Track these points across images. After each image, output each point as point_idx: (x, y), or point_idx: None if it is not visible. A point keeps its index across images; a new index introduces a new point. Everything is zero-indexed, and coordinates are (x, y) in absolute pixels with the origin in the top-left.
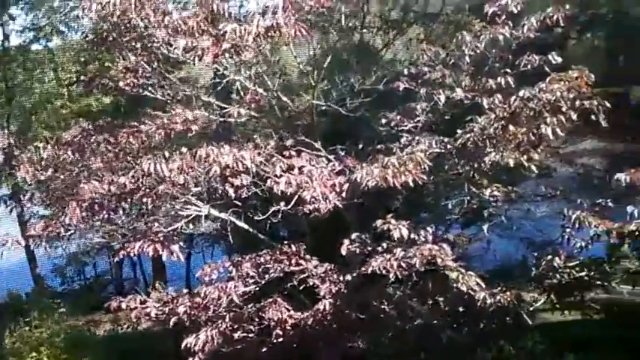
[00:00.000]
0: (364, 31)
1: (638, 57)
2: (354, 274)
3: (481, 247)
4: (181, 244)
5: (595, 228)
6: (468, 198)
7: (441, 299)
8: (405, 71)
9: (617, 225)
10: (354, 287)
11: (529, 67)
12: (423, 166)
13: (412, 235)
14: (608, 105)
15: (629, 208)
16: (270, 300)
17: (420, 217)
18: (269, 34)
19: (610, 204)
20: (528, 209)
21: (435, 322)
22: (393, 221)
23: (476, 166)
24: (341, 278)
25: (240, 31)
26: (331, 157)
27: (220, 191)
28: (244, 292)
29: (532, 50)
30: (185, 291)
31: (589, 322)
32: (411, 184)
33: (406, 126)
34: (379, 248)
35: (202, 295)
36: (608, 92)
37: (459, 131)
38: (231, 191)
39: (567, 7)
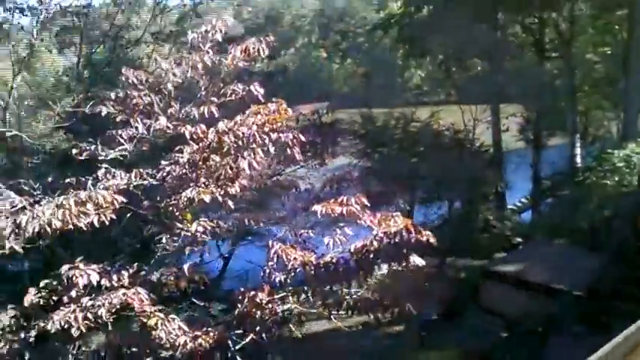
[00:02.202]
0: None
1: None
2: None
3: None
4: None
5: (294, 260)
6: (168, 235)
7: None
8: (113, 95)
9: (314, 256)
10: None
11: (233, 97)
12: (109, 205)
13: (103, 281)
14: (302, 138)
15: (326, 239)
16: None
17: (122, 258)
18: None
19: (311, 234)
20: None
21: None
22: (81, 265)
23: (174, 201)
24: (16, 337)
25: None
26: (11, 192)
27: None
28: None
29: (268, 78)
30: None
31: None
32: (97, 224)
33: (107, 156)
34: (65, 298)
35: None
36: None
37: (163, 162)
38: None
39: (271, 38)
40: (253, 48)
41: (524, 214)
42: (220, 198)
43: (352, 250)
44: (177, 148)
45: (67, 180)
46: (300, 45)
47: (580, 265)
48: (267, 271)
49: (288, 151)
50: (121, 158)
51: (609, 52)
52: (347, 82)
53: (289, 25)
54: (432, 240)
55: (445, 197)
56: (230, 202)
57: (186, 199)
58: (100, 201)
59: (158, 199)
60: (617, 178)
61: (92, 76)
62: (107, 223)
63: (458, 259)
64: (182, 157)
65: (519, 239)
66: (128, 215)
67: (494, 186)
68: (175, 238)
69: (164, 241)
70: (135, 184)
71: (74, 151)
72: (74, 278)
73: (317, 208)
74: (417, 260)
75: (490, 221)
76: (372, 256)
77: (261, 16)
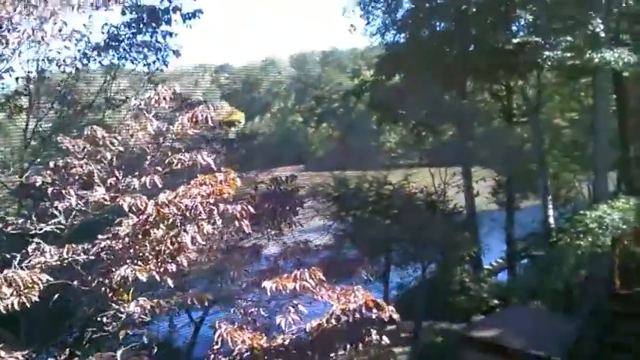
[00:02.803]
0: None
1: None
2: None
3: None
4: None
5: (241, 344)
6: (100, 317)
7: None
8: (51, 164)
9: (265, 339)
10: None
11: (179, 166)
12: (32, 286)
13: None
14: (252, 210)
15: (278, 319)
16: None
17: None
18: None
19: (263, 313)
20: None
21: None
22: (2, 353)
23: (106, 281)
24: None
25: None
26: None
27: None
28: None
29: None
30: None
31: None
32: (17, 306)
33: (39, 230)
34: None
35: None
36: None
37: (99, 237)
38: None
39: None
40: (201, 115)
41: (500, 275)
42: (158, 276)
43: (307, 329)
44: (117, 221)
45: None
46: (276, 110)
47: (557, 330)
48: (212, 356)
49: (237, 223)
50: (58, 232)
51: (576, 117)
52: (322, 146)
53: (266, 91)
54: (395, 316)
55: (420, 259)
56: (169, 280)
57: (119, 277)
58: (20, 282)
59: (90, 277)
60: (590, 239)
61: (39, 143)
62: (28, 305)
63: (435, 322)
64: (121, 231)
65: (496, 301)
66: (56, 296)
67: (469, 247)
68: (108, 320)
69: (104, 321)
70: (69, 260)
71: None
72: None
73: (267, 284)
74: (380, 337)
75: (466, 283)
76: (329, 336)
77: (238, 82)
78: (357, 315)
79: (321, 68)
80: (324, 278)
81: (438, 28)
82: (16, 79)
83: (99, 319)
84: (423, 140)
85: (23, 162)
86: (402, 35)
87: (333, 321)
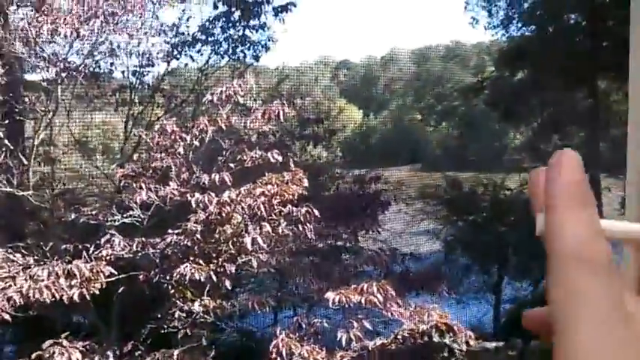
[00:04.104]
0: None
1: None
2: None
3: None
4: None
5: (298, 357)
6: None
7: None
8: (135, 156)
9: (323, 354)
10: None
11: (250, 163)
12: (95, 278)
13: None
14: (317, 213)
15: (340, 333)
16: None
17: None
18: None
19: (326, 325)
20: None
21: None
22: (65, 342)
23: (167, 278)
24: None
25: None
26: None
27: None
28: None
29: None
30: None
31: None
32: (77, 299)
33: (114, 222)
34: None
35: None
36: None
37: (169, 231)
38: None
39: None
40: (274, 111)
41: None
42: (215, 277)
43: (370, 348)
44: (187, 218)
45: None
46: (394, 107)
47: None
48: None
49: (300, 227)
50: (137, 224)
51: None
52: (440, 145)
53: (384, 87)
54: (472, 342)
55: (537, 271)
56: (227, 282)
57: (178, 275)
58: (82, 274)
59: (153, 272)
60: None
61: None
62: (88, 297)
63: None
64: (188, 228)
65: None
66: (120, 289)
67: None
68: (170, 318)
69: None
70: (141, 254)
71: (72, 215)
72: (55, 356)
73: (330, 295)
74: None
75: None
76: (391, 358)
77: (357, 78)
78: (426, 338)
79: (443, 64)
80: (393, 292)
81: (568, 21)
82: (122, 72)
83: (159, 316)
84: (547, 142)
85: (115, 156)
86: (528, 29)
87: (399, 342)
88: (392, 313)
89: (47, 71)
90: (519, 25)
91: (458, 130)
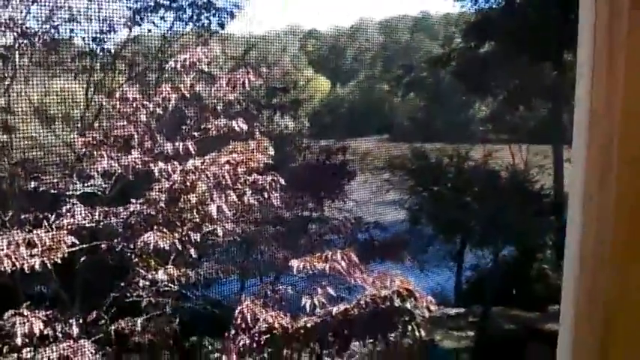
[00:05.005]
0: None
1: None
2: None
3: None
4: None
5: (262, 322)
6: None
7: None
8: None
9: (287, 319)
10: None
11: (214, 132)
12: (56, 247)
13: (47, 331)
14: (283, 182)
15: (304, 300)
16: None
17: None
18: None
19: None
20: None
21: None
22: (26, 312)
23: (132, 247)
24: None
25: None
26: None
27: None
28: None
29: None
30: None
31: None
32: (38, 267)
33: (76, 191)
34: (5, 347)
35: None
36: None
37: (132, 201)
38: None
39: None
40: (240, 79)
41: None
42: (180, 245)
43: (333, 314)
44: (151, 187)
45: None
46: (362, 78)
47: None
48: (233, 331)
49: (266, 195)
50: (99, 193)
51: None
52: (408, 116)
53: (352, 58)
54: (433, 307)
55: (499, 241)
56: (192, 250)
57: (142, 243)
58: (43, 243)
59: (116, 241)
60: None
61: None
62: (50, 267)
63: (507, 308)
64: (150, 197)
65: None
66: (83, 259)
67: (553, 233)
68: (134, 287)
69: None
70: (103, 223)
71: (32, 184)
72: (16, 327)
73: (294, 263)
74: (417, 329)
75: (545, 270)
76: (354, 323)
77: (324, 48)
78: (388, 303)
79: (411, 35)
80: (357, 260)
81: None
82: (83, 38)
83: (123, 284)
84: (512, 114)
85: (76, 124)
86: (496, 1)
87: (357, 309)
88: (355, 280)
89: (4, 37)
90: None
91: (425, 101)
